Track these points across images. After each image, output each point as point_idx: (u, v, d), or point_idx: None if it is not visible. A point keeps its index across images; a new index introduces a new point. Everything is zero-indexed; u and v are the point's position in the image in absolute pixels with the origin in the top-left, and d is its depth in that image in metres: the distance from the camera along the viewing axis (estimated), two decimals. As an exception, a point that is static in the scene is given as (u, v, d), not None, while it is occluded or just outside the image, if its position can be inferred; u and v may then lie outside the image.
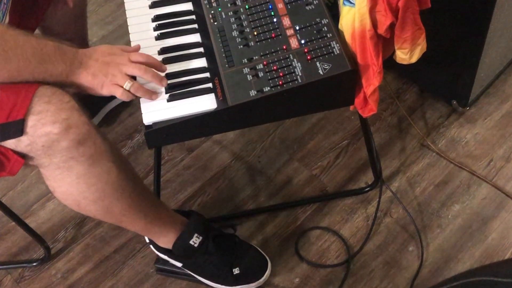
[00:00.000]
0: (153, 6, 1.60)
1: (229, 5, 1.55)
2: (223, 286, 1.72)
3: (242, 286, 1.71)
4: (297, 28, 1.47)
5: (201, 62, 1.47)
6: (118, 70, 1.36)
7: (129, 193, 1.46)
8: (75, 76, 1.33)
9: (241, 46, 1.46)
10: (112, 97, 2.05)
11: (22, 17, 1.64)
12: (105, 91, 1.37)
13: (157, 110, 1.38)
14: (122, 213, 1.48)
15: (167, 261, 1.72)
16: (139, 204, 1.51)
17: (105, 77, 1.35)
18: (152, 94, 1.39)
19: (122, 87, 1.36)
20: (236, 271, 1.70)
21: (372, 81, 1.38)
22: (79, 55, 1.34)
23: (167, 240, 1.64)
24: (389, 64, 1.44)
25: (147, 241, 1.71)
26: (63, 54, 1.32)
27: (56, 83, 1.32)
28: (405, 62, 1.40)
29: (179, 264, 1.69)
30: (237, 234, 1.77)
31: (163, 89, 1.41)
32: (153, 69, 1.40)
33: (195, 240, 1.62)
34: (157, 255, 1.73)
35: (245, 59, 1.43)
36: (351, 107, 1.49)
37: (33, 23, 1.73)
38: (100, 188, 1.39)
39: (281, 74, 1.38)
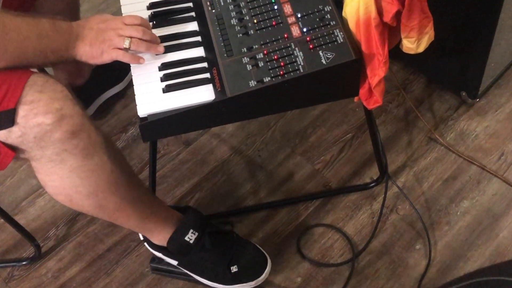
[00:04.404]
0: (148, -7, 1.61)
1: (227, -9, 1.55)
2: (220, 285, 1.69)
3: (240, 284, 1.69)
4: (299, 15, 1.46)
5: (199, 52, 1.47)
6: (114, 34, 1.39)
7: (123, 188, 1.45)
8: (74, 49, 1.36)
9: (241, 35, 1.45)
10: (106, 88, 2.10)
11: (11, 5, 1.61)
12: (106, 57, 1.39)
13: (152, 101, 1.38)
14: (116, 208, 1.47)
15: (163, 260, 1.70)
16: (133, 199, 1.50)
17: (103, 44, 1.38)
18: (157, 47, 1.43)
19: (122, 49, 1.39)
20: (234, 269, 1.67)
21: (377, 71, 1.37)
22: (73, 27, 1.37)
23: (162, 237, 1.62)
24: (395, 53, 1.42)
25: (141, 238, 1.70)
26: (59, 27, 1.34)
27: (57, 61, 1.37)
28: (412, 52, 1.40)
29: (174, 262, 1.67)
30: (236, 232, 1.76)
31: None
32: (149, 31, 1.44)
33: (190, 236, 1.60)
34: (152, 253, 1.71)
35: (245, 48, 1.42)
36: (356, 99, 1.48)
37: (24, 11, 1.69)
38: (94, 182, 1.38)
39: (282, 64, 1.37)
